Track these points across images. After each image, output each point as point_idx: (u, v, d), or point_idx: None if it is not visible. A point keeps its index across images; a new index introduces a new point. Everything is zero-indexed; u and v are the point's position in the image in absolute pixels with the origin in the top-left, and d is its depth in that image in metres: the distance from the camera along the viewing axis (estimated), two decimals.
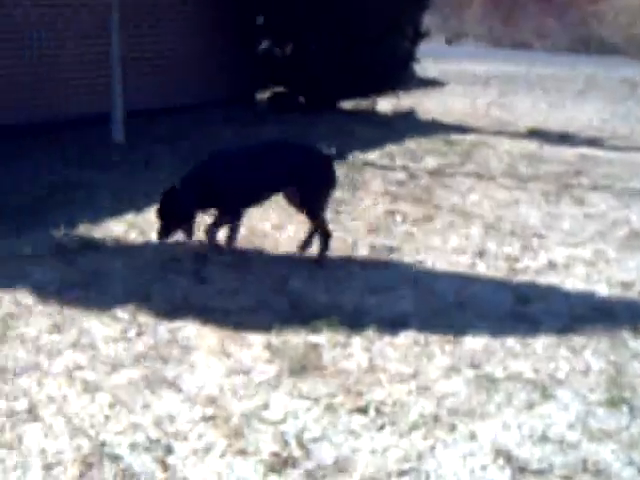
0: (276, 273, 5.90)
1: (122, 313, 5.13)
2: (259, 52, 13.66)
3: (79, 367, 4.44)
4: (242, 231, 6.52)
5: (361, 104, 13.62)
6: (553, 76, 19.25)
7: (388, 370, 4.51)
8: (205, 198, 6.03)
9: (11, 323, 4.95)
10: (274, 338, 4.83)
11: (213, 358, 4.58)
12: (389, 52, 13.12)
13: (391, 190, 8.26)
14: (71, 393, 4.17)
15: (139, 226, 6.74)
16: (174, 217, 6.04)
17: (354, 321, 5.07)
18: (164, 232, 6.09)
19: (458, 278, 5.94)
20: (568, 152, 10.52)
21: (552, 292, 5.73)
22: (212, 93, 12.94)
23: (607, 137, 11.82)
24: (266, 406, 4.10)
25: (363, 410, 4.07)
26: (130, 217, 7.00)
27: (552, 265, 6.22)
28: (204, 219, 6.34)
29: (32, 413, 3.97)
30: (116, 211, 7.20)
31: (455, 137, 11.35)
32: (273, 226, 6.69)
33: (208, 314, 5.14)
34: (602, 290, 5.78)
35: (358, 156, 9.75)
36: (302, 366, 4.51)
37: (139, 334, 4.86)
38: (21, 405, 4.04)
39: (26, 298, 5.32)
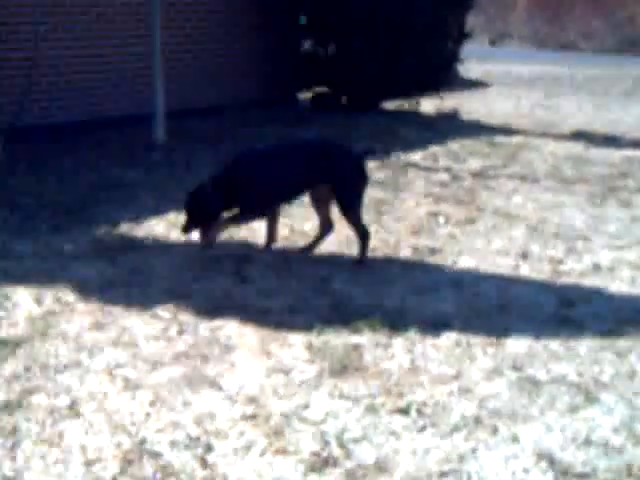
0: (317, 273, 5.88)
1: (163, 311, 5.15)
2: (302, 52, 13.69)
3: (120, 365, 4.45)
4: (283, 231, 6.52)
5: (404, 105, 13.59)
6: (599, 77, 19.07)
7: (429, 371, 4.47)
8: (231, 197, 6.03)
9: (53, 320, 4.98)
10: (315, 338, 4.81)
11: (253, 357, 4.57)
12: (433, 52, 13.09)
13: (434, 191, 8.22)
14: (112, 390, 4.18)
15: (180, 225, 6.74)
16: (200, 215, 6.04)
17: (396, 322, 5.03)
18: (188, 228, 6.12)
19: (501, 280, 5.87)
20: (614, 154, 10.39)
21: (596, 295, 5.65)
22: (255, 93, 12.98)
23: None
24: (306, 406, 4.07)
25: (404, 411, 4.04)
26: (171, 216, 7.02)
27: (597, 268, 6.14)
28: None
29: (73, 410, 3.99)
30: (157, 210, 7.24)
31: (499, 139, 11.26)
32: (313, 226, 6.66)
33: (248, 313, 5.13)
34: None
35: (401, 157, 9.72)
36: (343, 366, 4.48)
37: (180, 332, 4.87)
38: (62, 402, 4.06)
39: (67, 296, 5.35)
